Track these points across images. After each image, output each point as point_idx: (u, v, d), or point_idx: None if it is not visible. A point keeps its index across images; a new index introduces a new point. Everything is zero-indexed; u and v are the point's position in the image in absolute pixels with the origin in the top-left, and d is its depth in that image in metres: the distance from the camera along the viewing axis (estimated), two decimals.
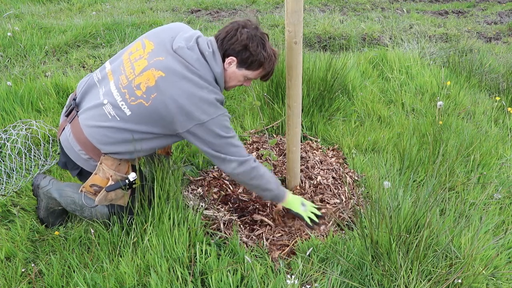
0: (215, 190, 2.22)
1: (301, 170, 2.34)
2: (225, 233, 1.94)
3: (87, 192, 1.78)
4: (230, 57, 1.71)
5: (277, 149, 2.61)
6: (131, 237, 1.79)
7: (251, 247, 1.88)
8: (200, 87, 1.63)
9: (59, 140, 1.82)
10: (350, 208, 2.14)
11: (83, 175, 1.82)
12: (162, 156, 2.13)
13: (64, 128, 1.79)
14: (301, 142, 2.40)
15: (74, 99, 1.80)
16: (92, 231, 1.81)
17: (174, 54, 1.65)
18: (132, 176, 1.76)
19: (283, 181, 2.29)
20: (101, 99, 1.69)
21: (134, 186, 1.79)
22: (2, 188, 2.19)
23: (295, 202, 1.94)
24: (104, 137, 1.68)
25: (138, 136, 1.68)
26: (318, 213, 1.95)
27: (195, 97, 1.61)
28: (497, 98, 3.24)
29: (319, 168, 2.43)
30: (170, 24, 1.82)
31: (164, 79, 1.60)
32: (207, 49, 1.68)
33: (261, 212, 2.09)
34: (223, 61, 1.73)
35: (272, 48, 1.78)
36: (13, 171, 2.30)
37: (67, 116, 1.80)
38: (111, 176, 1.73)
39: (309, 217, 1.92)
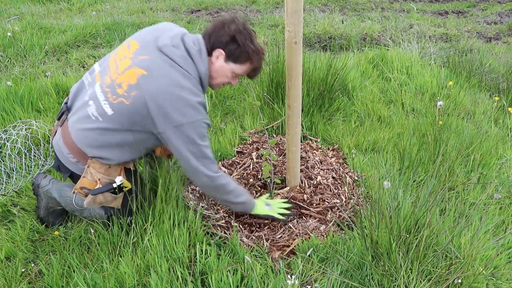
0: None
1: (301, 170, 2.34)
2: (225, 233, 1.94)
3: (79, 194, 1.78)
4: (218, 50, 1.69)
5: (277, 149, 2.61)
6: (131, 237, 1.79)
7: (251, 247, 1.88)
8: (181, 87, 1.59)
9: (51, 143, 1.83)
10: (350, 208, 2.14)
11: (74, 177, 1.83)
12: (163, 158, 2.13)
13: (56, 132, 1.80)
14: (301, 142, 2.40)
15: (66, 103, 1.81)
16: (92, 231, 1.81)
17: (159, 53, 1.62)
18: (118, 179, 1.72)
19: (283, 181, 2.29)
20: (86, 100, 1.69)
21: (124, 189, 1.77)
22: (2, 188, 2.19)
23: (260, 206, 1.98)
24: (88, 139, 1.67)
25: (122, 137, 1.66)
26: (287, 205, 2.02)
27: (175, 97, 1.57)
28: (497, 98, 3.24)
29: (319, 168, 2.43)
30: (157, 24, 1.80)
31: (145, 77, 1.58)
32: (193, 47, 1.66)
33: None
34: (211, 55, 1.70)
35: (259, 44, 1.76)
36: (13, 171, 2.30)
37: (58, 119, 1.82)
38: (99, 179, 1.72)
39: (279, 213, 1.98)
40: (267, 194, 2.11)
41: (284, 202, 2.04)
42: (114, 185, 1.72)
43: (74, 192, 1.78)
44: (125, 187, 1.77)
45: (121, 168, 1.79)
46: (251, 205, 1.94)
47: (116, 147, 1.69)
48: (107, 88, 1.64)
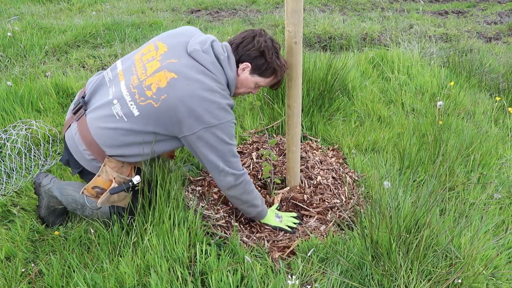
0: (215, 190, 2.22)
1: (301, 170, 2.34)
2: (225, 233, 1.94)
3: (88, 195, 1.77)
4: (245, 63, 1.73)
5: (277, 149, 2.61)
6: (131, 237, 1.79)
7: (251, 247, 1.88)
8: (212, 91, 1.62)
9: (64, 136, 1.81)
10: (350, 208, 2.14)
11: (84, 174, 1.81)
12: (164, 158, 2.13)
13: (70, 125, 1.77)
14: (301, 142, 2.40)
15: (83, 97, 1.78)
16: (92, 231, 1.81)
17: (189, 57, 1.65)
18: (136, 179, 1.75)
19: (283, 181, 2.29)
20: (110, 98, 1.67)
21: (137, 188, 1.79)
22: (2, 188, 2.19)
23: (271, 217, 2.00)
24: (110, 139, 1.66)
25: (144, 138, 1.67)
26: (296, 220, 2.03)
27: (207, 101, 1.60)
28: (498, 98, 3.24)
29: (319, 168, 2.43)
30: (183, 27, 1.82)
31: (176, 81, 1.59)
32: (222, 53, 1.69)
33: None
34: (237, 66, 1.74)
35: (283, 58, 1.82)
36: (13, 171, 2.30)
37: (74, 113, 1.78)
38: (114, 178, 1.72)
39: (288, 225, 2.00)
40: (277, 204, 2.11)
41: (293, 217, 2.05)
42: (135, 182, 1.74)
43: (83, 193, 1.76)
44: (137, 186, 1.79)
45: (131, 167, 1.80)
46: (264, 212, 1.96)
47: (136, 147, 1.69)
48: (134, 89, 1.64)
